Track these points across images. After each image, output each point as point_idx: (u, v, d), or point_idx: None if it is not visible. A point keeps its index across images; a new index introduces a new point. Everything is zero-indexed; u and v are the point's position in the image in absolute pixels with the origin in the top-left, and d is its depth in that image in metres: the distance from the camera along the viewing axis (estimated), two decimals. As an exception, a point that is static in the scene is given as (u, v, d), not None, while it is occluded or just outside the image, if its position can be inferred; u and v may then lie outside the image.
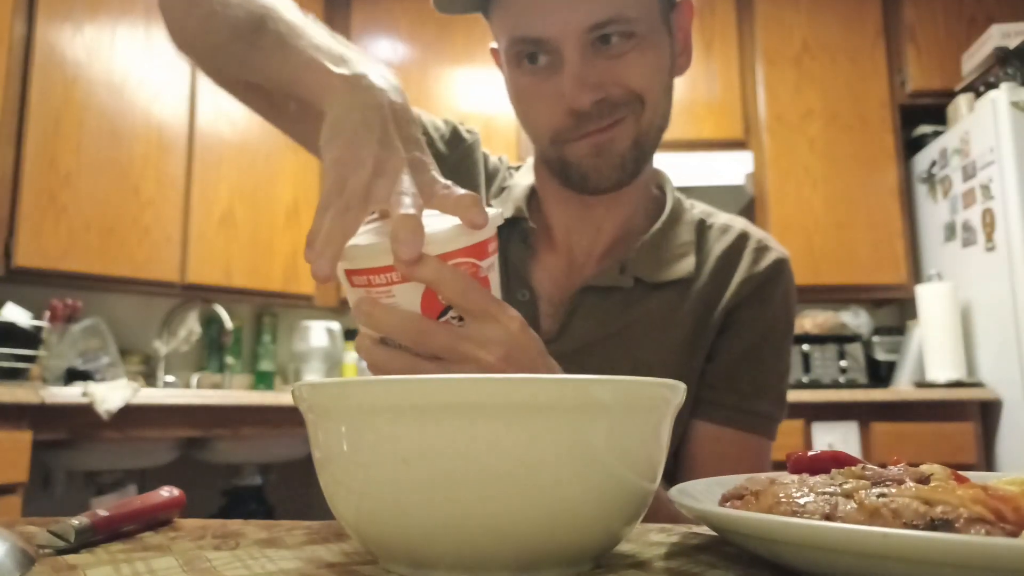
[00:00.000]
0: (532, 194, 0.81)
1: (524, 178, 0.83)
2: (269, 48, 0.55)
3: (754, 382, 0.74)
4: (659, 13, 0.70)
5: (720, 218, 0.83)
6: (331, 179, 0.45)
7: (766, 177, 2.84)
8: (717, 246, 0.78)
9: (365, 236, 0.46)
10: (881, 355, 2.81)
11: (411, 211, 0.42)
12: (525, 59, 0.69)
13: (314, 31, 0.55)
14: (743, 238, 0.79)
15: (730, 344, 0.75)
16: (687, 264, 0.75)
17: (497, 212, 0.48)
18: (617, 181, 0.71)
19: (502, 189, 0.83)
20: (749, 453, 0.74)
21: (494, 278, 0.49)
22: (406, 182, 0.44)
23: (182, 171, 2.61)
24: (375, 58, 0.53)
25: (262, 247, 2.76)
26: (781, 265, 0.78)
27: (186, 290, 2.63)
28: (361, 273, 0.46)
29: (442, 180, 0.47)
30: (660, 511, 0.51)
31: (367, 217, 0.45)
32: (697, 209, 0.83)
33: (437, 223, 0.46)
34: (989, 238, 2.37)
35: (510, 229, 0.78)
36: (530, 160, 0.84)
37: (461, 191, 0.45)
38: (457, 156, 0.82)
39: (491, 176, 0.85)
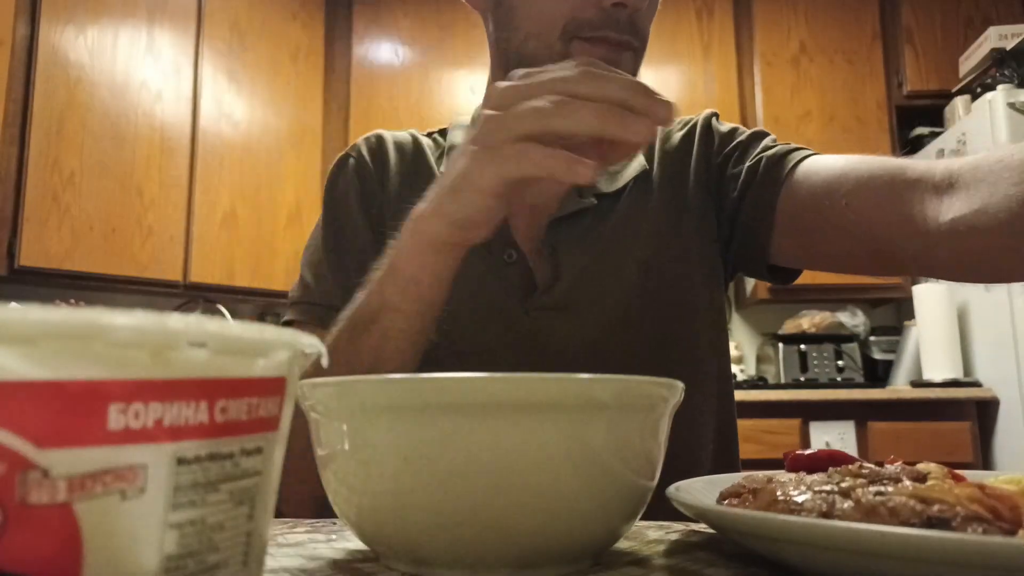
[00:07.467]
0: None
1: (459, 138, 0.79)
2: (371, 332, 0.57)
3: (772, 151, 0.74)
4: None
5: None
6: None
7: (765, 178, 2.84)
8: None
9: None
10: (878, 355, 2.82)
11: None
12: None
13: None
14: (686, 121, 0.82)
15: (737, 170, 0.74)
16: (638, 162, 0.77)
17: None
18: None
19: (440, 157, 0.79)
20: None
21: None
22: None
23: (185, 172, 2.61)
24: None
25: (264, 247, 2.76)
26: (712, 115, 0.81)
27: (189, 290, 2.63)
28: None
29: None
30: None
31: None
32: None
33: None
34: (987, 239, 2.37)
35: None
36: (456, 120, 0.82)
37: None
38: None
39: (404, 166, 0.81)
